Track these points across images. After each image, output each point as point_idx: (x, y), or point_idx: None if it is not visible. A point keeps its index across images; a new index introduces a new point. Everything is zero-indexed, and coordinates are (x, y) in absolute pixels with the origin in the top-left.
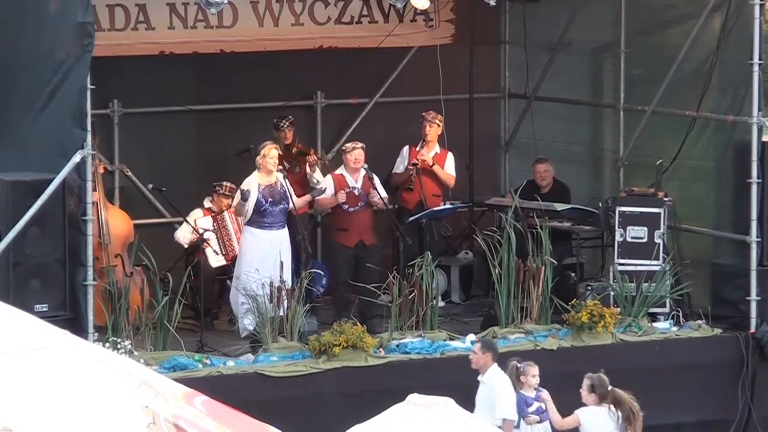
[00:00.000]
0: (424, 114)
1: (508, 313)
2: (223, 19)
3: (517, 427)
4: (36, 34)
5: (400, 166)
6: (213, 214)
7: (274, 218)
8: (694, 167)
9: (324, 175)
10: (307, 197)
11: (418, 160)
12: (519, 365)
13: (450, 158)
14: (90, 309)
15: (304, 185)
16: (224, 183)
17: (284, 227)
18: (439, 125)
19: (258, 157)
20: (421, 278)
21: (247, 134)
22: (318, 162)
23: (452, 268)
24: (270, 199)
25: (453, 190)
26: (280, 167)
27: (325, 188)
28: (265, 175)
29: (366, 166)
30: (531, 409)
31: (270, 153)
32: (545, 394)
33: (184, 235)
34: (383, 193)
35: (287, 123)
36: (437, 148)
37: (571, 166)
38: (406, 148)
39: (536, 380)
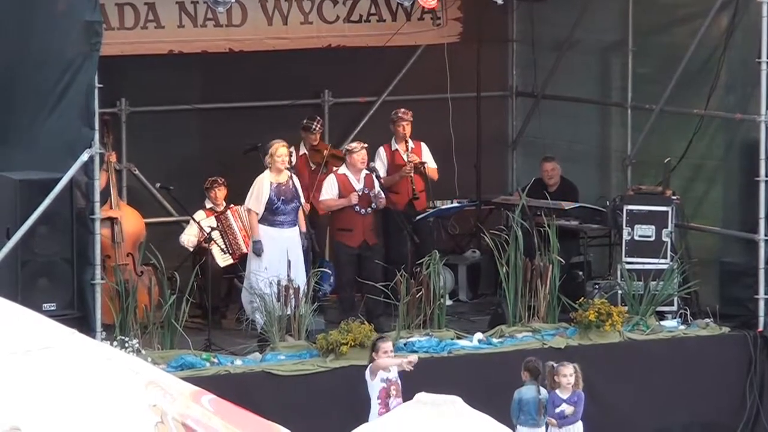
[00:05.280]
0: (399, 114)
1: (515, 311)
2: (232, 18)
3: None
4: (45, 34)
5: (381, 169)
6: (216, 213)
7: (286, 216)
8: (701, 166)
9: None
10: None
11: (410, 163)
12: (554, 365)
13: (426, 149)
14: (98, 308)
15: None
16: (208, 179)
17: (295, 226)
18: (411, 120)
19: (267, 157)
20: (428, 277)
21: (255, 133)
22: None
23: (459, 266)
24: (282, 198)
25: (460, 189)
26: (287, 167)
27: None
28: (276, 173)
29: (373, 164)
30: (557, 410)
31: (278, 152)
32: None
33: (188, 239)
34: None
35: (318, 125)
36: (411, 143)
37: (578, 165)
38: (382, 150)
39: (567, 380)
